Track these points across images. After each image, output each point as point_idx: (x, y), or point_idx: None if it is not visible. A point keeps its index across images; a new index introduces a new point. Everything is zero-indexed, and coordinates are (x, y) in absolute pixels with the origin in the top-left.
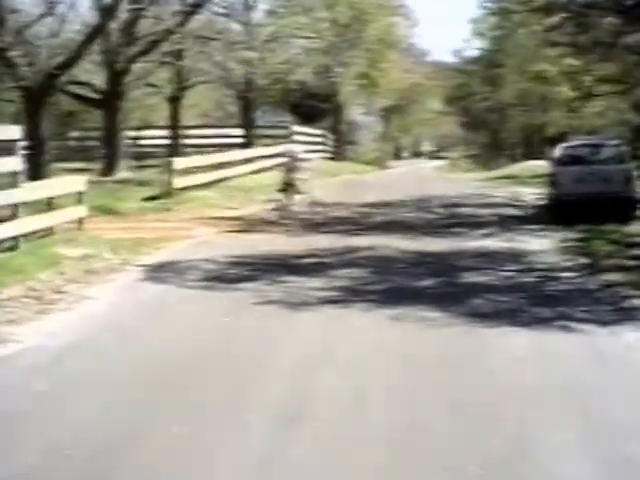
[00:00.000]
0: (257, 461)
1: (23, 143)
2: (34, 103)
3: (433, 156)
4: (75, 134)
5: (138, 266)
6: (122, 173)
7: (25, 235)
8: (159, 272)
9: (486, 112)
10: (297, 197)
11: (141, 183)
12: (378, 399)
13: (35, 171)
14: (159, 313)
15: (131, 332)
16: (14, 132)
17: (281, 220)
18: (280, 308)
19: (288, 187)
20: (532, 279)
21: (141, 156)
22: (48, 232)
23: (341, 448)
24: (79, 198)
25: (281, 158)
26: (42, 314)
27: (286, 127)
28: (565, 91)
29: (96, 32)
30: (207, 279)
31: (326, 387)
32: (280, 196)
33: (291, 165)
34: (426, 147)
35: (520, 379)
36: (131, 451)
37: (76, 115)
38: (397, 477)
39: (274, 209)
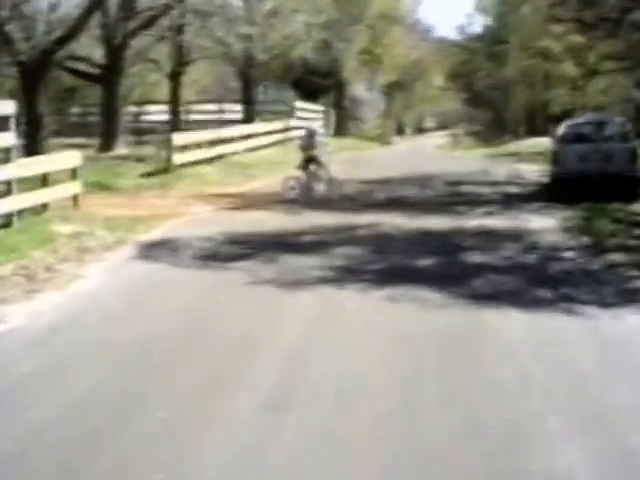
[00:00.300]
0: (243, 446)
1: (20, 119)
2: (31, 79)
3: (436, 133)
4: (76, 110)
5: (132, 244)
6: (121, 149)
7: (19, 212)
8: (153, 250)
9: (489, 89)
10: (322, 173)
11: (140, 159)
12: (367, 387)
13: (32, 147)
14: (149, 293)
15: (119, 312)
16: (8, 107)
17: (300, 198)
18: (274, 288)
19: (308, 164)
20: (534, 259)
21: (141, 132)
22: (43, 209)
23: (328, 436)
24: (74, 174)
25: (300, 135)
26: (32, 293)
27: (288, 103)
28: (569, 68)
29: (94, 6)
30: (201, 257)
31: (314, 373)
32: (299, 173)
33: (309, 142)
34: (429, 124)
35: (516, 365)
36: (113, 437)
37: (77, 91)
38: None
39: (292, 187)
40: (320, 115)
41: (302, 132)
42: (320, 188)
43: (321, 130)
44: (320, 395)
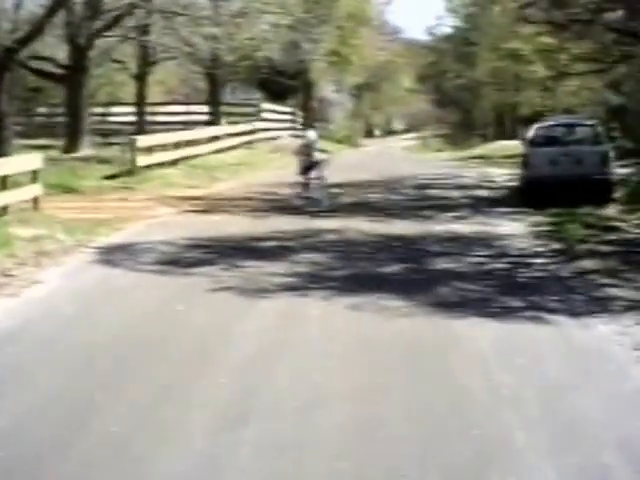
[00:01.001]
0: (197, 463)
1: None
2: None
3: (404, 135)
4: (42, 110)
5: (92, 248)
6: (85, 150)
7: None
8: (113, 254)
9: (458, 90)
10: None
11: (104, 161)
12: (327, 400)
13: None
14: (106, 299)
15: (73, 320)
16: None
17: (304, 204)
18: (235, 295)
19: (308, 170)
20: (502, 265)
21: (107, 133)
22: (2, 212)
23: (285, 452)
24: (35, 176)
25: (298, 142)
26: None
27: (254, 105)
28: (539, 70)
29: (58, 5)
30: (162, 262)
31: (272, 385)
32: (301, 179)
33: (307, 150)
34: (398, 125)
35: (483, 378)
36: (61, 452)
37: (43, 91)
38: None
39: (298, 194)
40: (287, 116)
41: (300, 140)
42: (321, 195)
43: (316, 138)
44: (277, 409)
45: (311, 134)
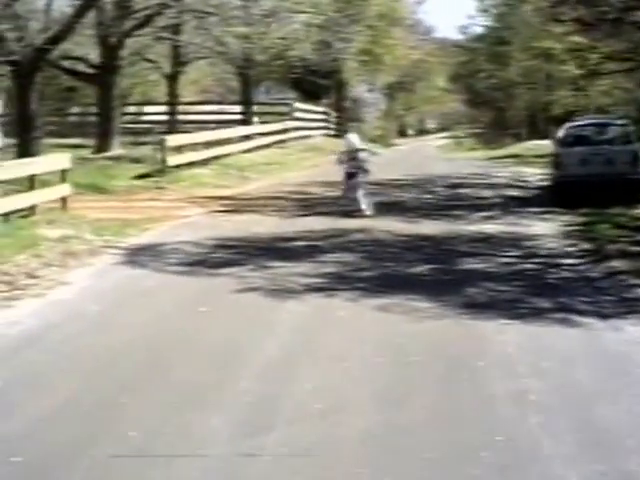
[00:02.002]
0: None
1: (8, 119)
2: (24, 78)
3: (437, 134)
4: (75, 110)
5: (120, 248)
6: (116, 150)
7: (4, 215)
8: (141, 255)
9: (491, 90)
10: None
11: (134, 160)
12: (353, 403)
13: (24, 147)
14: (132, 301)
15: (97, 322)
16: None
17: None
18: (262, 296)
19: (352, 177)
20: (532, 266)
21: (139, 132)
22: (29, 212)
23: (311, 456)
24: (64, 176)
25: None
26: (11, 300)
27: (288, 104)
28: (571, 69)
29: (88, 5)
30: (189, 263)
31: (298, 388)
32: (345, 187)
33: (348, 156)
34: (431, 125)
35: (511, 382)
36: (84, 454)
37: (77, 91)
38: None
39: (344, 199)
40: (320, 116)
41: (342, 146)
42: (366, 201)
43: (359, 140)
44: (301, 412)
45: (352, 138)
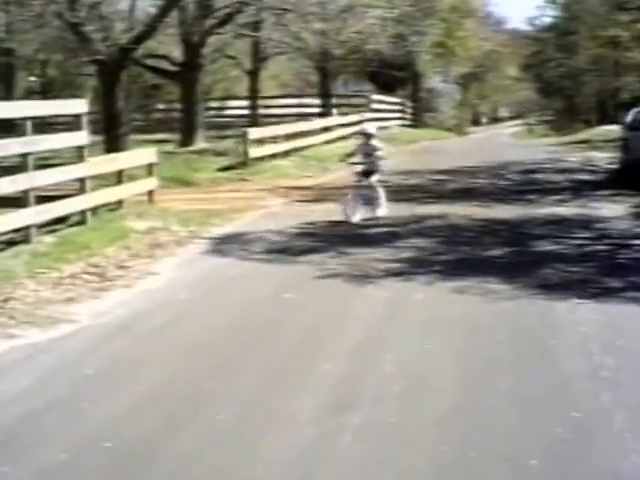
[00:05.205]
0: (305, 443)
1: (98, 116)
2: (109, 77)
3: (510, 122)
4: (160, 106)
5: (205, 238)
6: (200, 144)
7: (94, 209)
8: (225, 244)
9: (561, 78)
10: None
11: (218, 153)
12: (432, 383)
13: (111, 143)
14: (218, 289)
15: (183, 309)
16: (80, 107)
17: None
18: (342, 282)
19: (366, 176)
20: (603, 247)
21: (222, 126)
22: (117, 205)
23: (392, 435)
24: (150, 170)
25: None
26: (101, 291)
27: (365, 96)
28: (637, 56)
29: (171, 5)
30: (272, 251)
31: (380, 369)
32: (356, 185)
33: (367, 149)
34: (504, 113)
35: (585, 360)
36: (178, 434)
37: (161, 88)
38: None
39: (352, 202)
40: (396, 107)
41: (359, 138)
42: (381, 202)
43: (376, 132)
44: (383, 394)
45: (370, 128)
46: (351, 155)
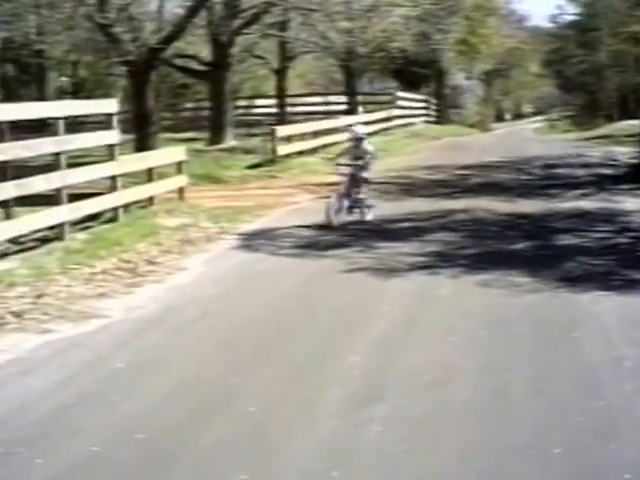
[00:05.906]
0: (331, 436)
1: (129, 115)
2: (139, 77)
3: (533, 118)
4: (189, 105)
5: (235, 234)
6: (229, 142)
7: (125, 206)
8: (254, 240)
9: (582, 74)
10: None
11: (246, 151)
12: (457, 374)
13: (141, 142)
14: (247, 283)
15: (214, 304)
16: (111, 106)
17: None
18: (369, 275)
19: (356, 182)
20: (625, 240)
21: (250, 124)
22: (148, 202)
23: (418, 426)
24: (180, 168)
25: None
26: (133, 287)
27: (390, 93)
28: None
29: (199, 5)
30: (301, 246)
31: (405, 361)
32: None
33: (355, 152)
34: (526, 109)
35: (607, 350)
36: (205, 426)
37: (190, 87)
38: None
39: (336, 206)
40: (421, 104)
41: (350, 137)
42: (368, 203)
43: (365, 134)
44: (409, 384)
45: (359, 130)
46: (341, 155)
